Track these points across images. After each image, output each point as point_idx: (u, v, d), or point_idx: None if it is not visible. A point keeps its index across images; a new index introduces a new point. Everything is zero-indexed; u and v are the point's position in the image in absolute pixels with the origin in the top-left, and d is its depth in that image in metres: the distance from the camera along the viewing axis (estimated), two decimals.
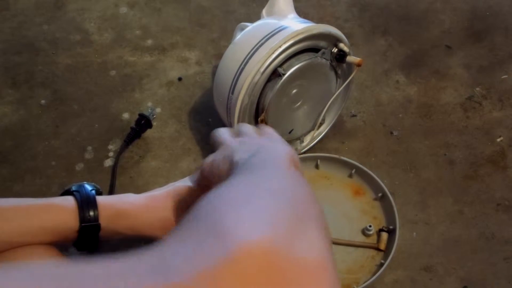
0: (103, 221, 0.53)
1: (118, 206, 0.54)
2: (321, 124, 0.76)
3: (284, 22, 0.66)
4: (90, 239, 0.53)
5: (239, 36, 0.68)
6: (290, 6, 0.73)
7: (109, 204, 0.54)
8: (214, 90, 0.70)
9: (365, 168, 0.71)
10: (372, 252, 0.66)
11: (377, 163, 0.77)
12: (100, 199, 0.53)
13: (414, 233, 0.70)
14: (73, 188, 0.55)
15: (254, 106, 0.66)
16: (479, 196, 0.74)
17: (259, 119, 0.67)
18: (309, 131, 0.76)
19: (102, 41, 0.95)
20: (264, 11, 0.73)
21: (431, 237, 0.70)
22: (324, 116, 0.74)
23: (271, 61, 0.62)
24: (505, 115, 0.83)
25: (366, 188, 0.72)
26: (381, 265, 0.63)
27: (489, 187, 0.75)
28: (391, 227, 0.66)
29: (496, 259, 0.68)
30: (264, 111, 0.65)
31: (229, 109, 0.67)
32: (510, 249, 0.68)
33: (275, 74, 0.64)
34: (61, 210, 0.51)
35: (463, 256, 0.68)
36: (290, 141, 0.75)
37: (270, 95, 0.64)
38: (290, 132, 0.72)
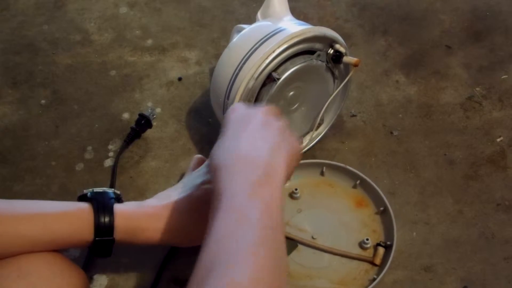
0: (118, 235, 0.52)
1: (136, 222, 0.53)
2: (320, 124, 0.75)
3: (279, 25, 0.65)
4: (103, 250, 0.53)
5: (234, 39, 0.67)
6: (285, 7, 0.72)
7: (126, 218, 0.53)
8: (211, 94, 0.70)
9: (369, 181, 0.70)
10: (367, 266, 0.65)
11: (377, 163, 0.77)
12: (118, 211, 0.52)
13: (414, 233, 0.70)
14: (92, 194, 0.54)
15: None
16: (479, 196, 0.74)
17: None
18: (308, 132, 0.75)
19: (102, 41, 0.95)
20: (259, 13, 0.73)
21: (431, 237, 0.70)
22: (322, 117, 0.74)
23: (265, 66, 0.61)
24: (505, 115, 0.83)
25: (369, 200, 0.71)
26: (374, 280, 0.62)
27: (489, 187, 0.75)
28: (388, 242, 0.66)
29: (496, 259, 0.68)
30: None
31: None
32: (510, 249, 0.68)
33: (270, 78, 0.63)
34: (77, 224, 0.51)
35: (463, 256, 0.68)
36: None
37: (265, 100, 0.64)
38: None
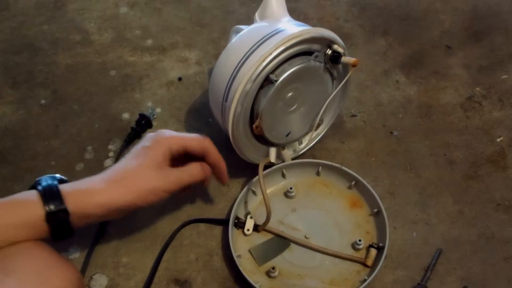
0: (70, 206, 0.52)
1: (82, 190, 0.53)
2: (319, 124, 0.75)
3: (276, 26, 0.65)
4: (62, 229, 0.52)
5: (232, 41, 0.67)
6: (283, 8, 0.71)
7: (73, 190, 0.53)
8: (209, 95, 0.70)
9: (365, 182, 0.70)
10: (359, 267, 0.66)
11: (377, 163, 0.77)
12: (63, 187, 0.52)
13: (414, 233, 0.70)
14: (34, 182, 0.54)
15: (248, 112, 0.65)
16: (479, 196, 0.74)
17: (253, 125, 0.66)
18: (307, 133, 0.75)
19: (102, 41, 0.95)
20: (256, 15, 0.72)
21: (431, 237, 0.70)
22: (322, 117, 0.74)
23: (262, 68, 0.60)
24: (505, 115, 0.83)
25: (363, 202, 0.71)
26: (365, 281, 0.62)
27: (489, 187, 0.75)
28: (381, 244, 0.66)
29: (496, 259, 0.68)
30: (259, 118, 0.65)
31: (223, 116, 0.66)
32: (510, 249, 0.68)
33: (267, 80, 0.63)
34: (25, 203, 0.51)
35: (463, 256, 0.68)
36: (288, 144, 0.74)
37: (263, 102, 0.63)
38: (287, 135, 0.72)
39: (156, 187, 0.57)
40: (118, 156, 0.77)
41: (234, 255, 0.64)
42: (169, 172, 0.58)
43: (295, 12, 0.75)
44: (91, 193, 0.54)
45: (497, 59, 0.91)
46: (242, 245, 0.68)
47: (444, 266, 0.67)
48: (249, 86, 0.61)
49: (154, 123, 0.81)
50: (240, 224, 0.69)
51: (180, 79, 0.89)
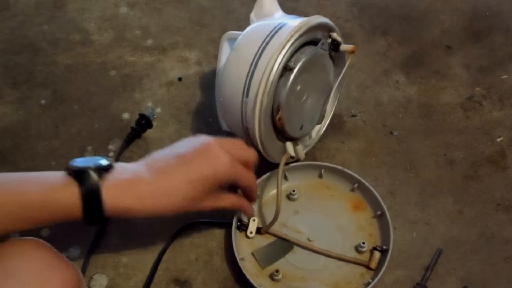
0: (108, 214, 0.51)
1: (126, 204, 0.52)
2: (322, 118, 0.76)
3: (279, 20, 0.66)
4: (96, 222, 0.52)
5: (238, 40, 0.67)
6: (276, 5, 0.73)
7: (116, 202, 0.51)
8: (221, 96, 0.68)
9: (367, 184, 0.70)
10: (362, 270, 0.65)
11: (377, 163, 0.77)
12: (106, 194, 0.50)
13: (414, 233, 0.70)
14: (77, 174, 0.52)
15: (270, 106, 0.65)
16: (479, 196, 0.74)
17: (277, 117, 0.66)
18: (315, 125, 0.75)
19: (102, 41, 0.95)
20: (252, 15, 0.73)
21: (431, 237, 0.70)
22: (323, 112, 0.74)
23: (282, 56, 0.62)
24: (505, 115, 0.83)
25: (366, 204, 0.71)
26: (369, 284, 0.62)
27: (489, 187, 0.75)
28: (384, 247, 0.66)
29: (496, 259, 0.68)
30: (280, 109, 0.65)
31: (244, 114, 0.66)
32: (510, 249, 0.69)
33: (285, 69, 0.64)
34: (66, 208, 0.50)
35: (463, 256, 0.68)
36: (302, 138, 0.74)
37: (283, 92, 0.64)
38: (301, 128, 0.71)
39: (187, 209, 0.55)
40: (118, 156, 0.77)
41: (238, 258, 0.64)
42: (210, 200, 0.57)
43: (295, 12, 0.76)
44: (133, 210, 0.52)
45: (497, 59, 0.91)
46: (245, 248, 0.68)
47: (444, 266, 0.67)
48: (272, 76, 0.62)
49: (154, 123, 0.81)
50: (242, 227, 0.68)
51: (180, 79, 0.89)
